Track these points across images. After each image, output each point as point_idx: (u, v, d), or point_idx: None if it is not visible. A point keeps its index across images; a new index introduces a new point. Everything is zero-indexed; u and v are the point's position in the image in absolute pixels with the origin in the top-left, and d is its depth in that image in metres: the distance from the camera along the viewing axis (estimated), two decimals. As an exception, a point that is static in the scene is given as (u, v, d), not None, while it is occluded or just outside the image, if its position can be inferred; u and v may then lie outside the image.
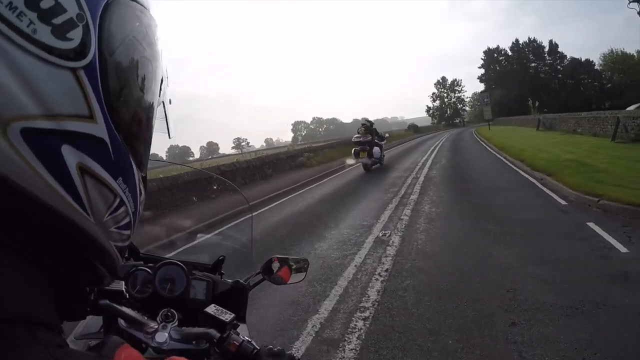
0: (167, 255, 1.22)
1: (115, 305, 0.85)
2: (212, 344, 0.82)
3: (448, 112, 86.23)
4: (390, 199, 8.07)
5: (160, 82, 0.38)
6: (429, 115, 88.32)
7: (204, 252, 1.60)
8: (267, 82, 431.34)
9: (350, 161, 13.49)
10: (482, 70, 73.32)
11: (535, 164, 10.48)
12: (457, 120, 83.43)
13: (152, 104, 0.37)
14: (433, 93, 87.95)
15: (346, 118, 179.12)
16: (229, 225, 6.35)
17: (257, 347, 0.80)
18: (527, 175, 9.62)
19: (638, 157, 9.66)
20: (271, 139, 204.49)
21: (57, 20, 0.26)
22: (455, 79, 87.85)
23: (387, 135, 15.07)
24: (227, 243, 1.66)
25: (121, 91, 0.31)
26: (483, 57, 72.83)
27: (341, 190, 10.06)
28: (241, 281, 1.12)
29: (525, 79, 64.63)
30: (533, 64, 67.66)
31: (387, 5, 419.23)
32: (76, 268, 0.31)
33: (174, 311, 0.90)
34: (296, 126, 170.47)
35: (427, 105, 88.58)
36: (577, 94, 56.66)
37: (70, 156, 0.27)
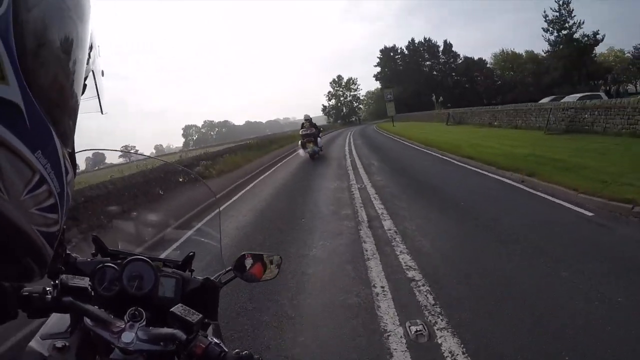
0: (136, 251, 1.18)
1: (79, 303, 0.82)
2: (179, 345, 0.79)
3: (344, 110, 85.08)
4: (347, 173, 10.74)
5: (88, 48, 0.33)
6: (325, 114, 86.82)
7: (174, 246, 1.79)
8: (156, 86, 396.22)
9: (300, 152, 14.95)
10: (379, 69, 74.34)
11: (495, 162, 8.94)
12: (353, 119, 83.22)
13: (77, 69, 0.31)
14: (329, 92, 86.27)
15: (238, 120, 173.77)
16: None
17: (225, 349, 0.79)
18: (497, 177, 7.96)
19: (598, 148, 9.17)
20: (161, 145, 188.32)
21: None
22: (351, 78, 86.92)
23: (322, 129, 17.97)
24: (197, 238, 1.62)
25: (38, 49, 0.26)
26: (379, 56, 73.81)
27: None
28: (212, 278, 1.10)
29: (420, 77, 67.06)
30: (428, 63, 70.36)
31: (283, 5, 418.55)
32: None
33: (142, 310, 0.86)
34: (187, 130, 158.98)
35: (322, 104, 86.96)
36: (470, 91, 60.36)
37: None
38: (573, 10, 43.80)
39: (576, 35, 43.59)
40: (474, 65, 62.92)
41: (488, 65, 62.51)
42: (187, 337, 0.79)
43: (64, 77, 0.29)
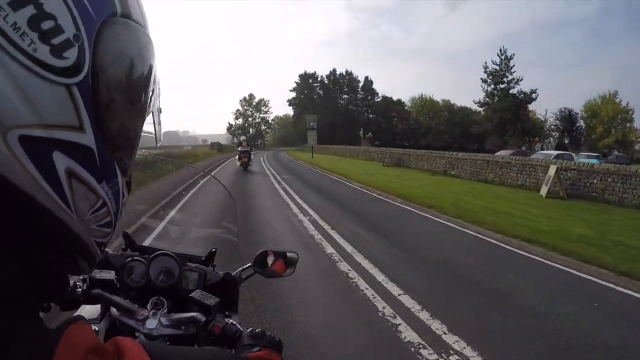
0: (161, 246, 1.24)
1: (106, 294, 0.91)
2: (199, 327, 0.87)
3: (250, 132, 74.14)
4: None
5: (150, 94, 0.40)
6: (230, 133, 77.60)
7: (197, 244, 1.60)
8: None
9: (237, 162, 17.95)
10: (294, 94, 70.62)
11: (577, 252, 5.38)
12: (259, 142, 73.81)
13: (140, 116, 0.38)
14: (237, 110, 76.78)
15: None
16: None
17: (240, 329, 0.84)
18: (556, 265, 5.10)
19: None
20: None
21: (56, 41, 0.28)
22: (263, 99, 78.16)
23: (253, 148, 21.97)
24: (220, 235, 1.61)
25: (110, 105, 0.32)
26: (297, 81, 70.63)
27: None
28: (232, 274, 1.15)
29: (338, 109, 65.79)
30: (346, 96, 69.15)
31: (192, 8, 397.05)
32: (59, 259, 0.34)
33: (163, 299, 0.96)
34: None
35: (229, 122, 77.88)
36: (387, 130, 60.34)
37: (60, 161, 0.29)
38: (513, 66, 46.30)
39: (513, 91, 45.52)
40: (392, 104, 63.12)
41: (406, 108, 63.31)
42: (206, 318, 0.87)
43: (129, 124, 0.36)
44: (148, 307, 0.94)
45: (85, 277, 0.93)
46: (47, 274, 0.33)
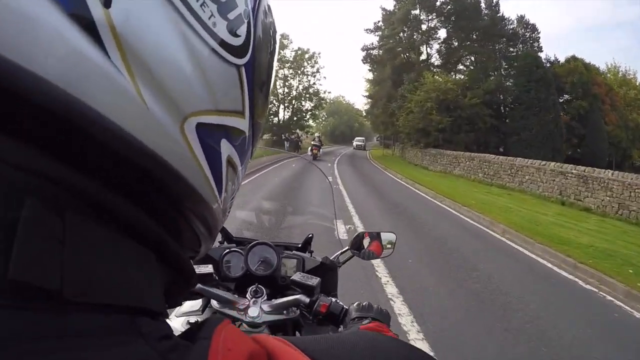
0: (257, 237, 1.28)
1: (206, 288, 0.92)
2: (303, 308, 0.91)
3: (291, 104, 37.85)
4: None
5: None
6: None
7: (293, 231, 1.74)
8: None
9: (308, 153, 19.57)
10: (374, 39, 64.01)
11: None
12: (293, 136, 35.59)
13: (268, 100, 0.38)
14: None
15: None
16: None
17: (345, 306, 0.85)
18: None
19: None
20: None
21: (231, 15, 0.26)
22: (310, 50, 51.31)
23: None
24: (315, 221, 1.68)
25: (262, 88, 0.32)
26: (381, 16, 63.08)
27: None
28: (330, 258, 1.17)
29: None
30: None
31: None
32: (189, 247, 0.32)
33: (262, 287, 0.98)
34: None
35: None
36: (589, 119, 42.01)
37: (225, 149, 0.29)
38: None
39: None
40: (589, 75, 51.87)
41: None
42: (310, 299, 0.89)
43: (266, 108, 0.37)
44: (247, 296, 0.95)
45: None
46: (186, 264, 0.30)
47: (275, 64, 0.38)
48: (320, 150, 21.62)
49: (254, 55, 0.29)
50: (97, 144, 0.19)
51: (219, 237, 1.27)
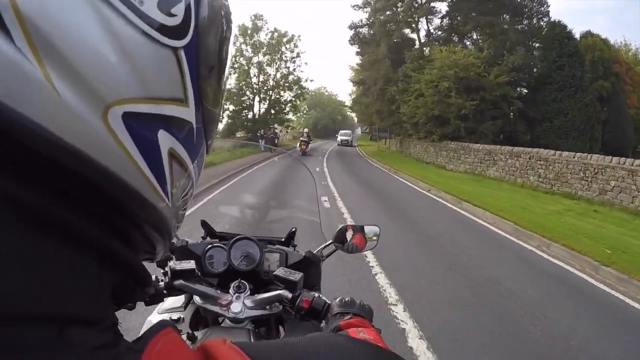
0: (239, 232, 1.23)
1: (188, 284, 0.91)
2: (286, 304, 0.89)
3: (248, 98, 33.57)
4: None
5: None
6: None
7: (276, 225, 1.59)
8: None
9: (297, 148, 21.52)
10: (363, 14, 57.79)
11: None
12: (269, 132, 28.99)
13: (223, 87, 0.35)
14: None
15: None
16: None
17: (327, 301, 0.84)
18: None
19: None
20: None
21: None
22: (288, 33, 46.20)
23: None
24: (298, 215, 1.65)
25: (210, 73, 0.30)
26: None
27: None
28: (313, 252, 1.15)
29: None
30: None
31: None
32: (140, 249, 0.30)
33: (245, 282, 0.96)
34: None
35: None
36: (613, 101, 38.88)
37: (164, 141, 0.26)
38: None
39: None
40: (607, 52, 48.94)
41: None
42: (293, 294, 0.87)
43: (219, 94, 0.33)
44: (230, 291, 0.94)
45: (167, 270, 0.92)
46: (136, 267, 0.28)
47: (232, 47, 0.35)
48: (309, 145, 22.44)
49: (197, 36, 0.26)
50: (7, 139, 0.17)
51: (202, 232, 1.27)
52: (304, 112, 65.63)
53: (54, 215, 0.20)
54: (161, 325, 0.26)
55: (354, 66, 36.05)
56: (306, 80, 33.10)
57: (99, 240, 0.23)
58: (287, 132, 34.28)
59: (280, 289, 0.90)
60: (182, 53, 0.25)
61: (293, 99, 33.09)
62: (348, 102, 42.13)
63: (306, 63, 32.08)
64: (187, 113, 0.27)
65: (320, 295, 0.86)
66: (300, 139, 23.18)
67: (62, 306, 0.20)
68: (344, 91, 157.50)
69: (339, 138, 36.20)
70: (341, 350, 0.30)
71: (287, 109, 33.13)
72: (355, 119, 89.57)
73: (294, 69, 32.18)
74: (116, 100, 0.21)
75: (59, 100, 0.19)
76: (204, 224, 1.27)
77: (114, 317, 0.26)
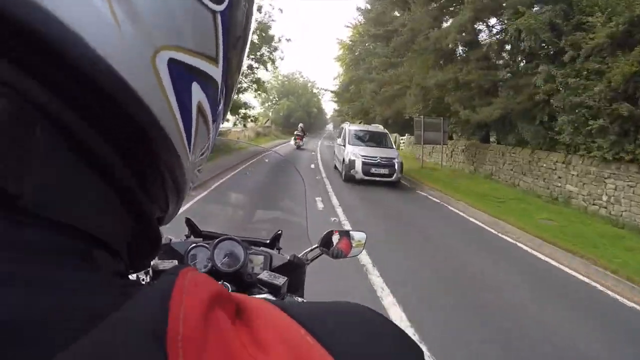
0: (224, 231, 1.21)
1: None
2: None
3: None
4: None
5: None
6: None
7: (262, 227, 1.53)
8: None
9: (292, 142, 22.69)
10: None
11: None
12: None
13: (243, 60, 0.36)
14: None
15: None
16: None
17: None
18: None
19: None
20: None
21: None
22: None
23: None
24: (285, 217, 1.63)
25: (236, 42, 0.31)
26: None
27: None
28: (298, 255, 1.13)
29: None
30: None
31: None
32: (156, 202, 0.29)
33: (227, 283, 0.96)
34: None
35: None
36: None
37: (196, 93, 0.27)
38: None
39: None
40: None
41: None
42: (276, 299, 0.84)
43: (240, 68, 0.35)
44: None
45: (148, 269, 0.89)
46: (151, 219, 0.28)
47: (252, 25, 0.36)
48: (304, 139, 23.03)
49: (232, 5, 0.28)
50: (60, 58, 0.18)
51: (186, 231, 1.23)
52: (273, 100, 53.39)
53: (94, 145, 0.21)
54: (185, 264, 0.28)
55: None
56: (281, 39, 21.88)
57: (126, 180, 0.23)
58: (244, 125, 22.71)
59: (264, 293, 0.89)
60: (219, 17, 0.26)
61: (267, 57, 21.17)
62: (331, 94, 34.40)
63: (280, 10, 21.69)
64: (216, 73, 0.29)
65: (304, 301, 0.82)
66: (295, 132, 23.40)
67: (92, 225, 0.21)
68: (324, 77, 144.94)
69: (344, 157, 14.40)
70: (373, 317, 0.28)
71: (257, 72, 20.86)
72: (329, 114, 75.78)
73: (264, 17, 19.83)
74: (166, 45, 0.23)
75: (118, 31, 0.20)
76: (189, 222, 1.23)
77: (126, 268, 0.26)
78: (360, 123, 21.66)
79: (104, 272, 0.21)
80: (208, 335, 0.18)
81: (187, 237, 1.22)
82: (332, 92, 37.12)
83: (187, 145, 0.28)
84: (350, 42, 34.21)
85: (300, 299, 0.84)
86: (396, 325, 0.29)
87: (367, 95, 22.29)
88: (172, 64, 0.23)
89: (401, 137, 24.14)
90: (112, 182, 0.23)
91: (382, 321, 0.28)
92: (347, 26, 35.55)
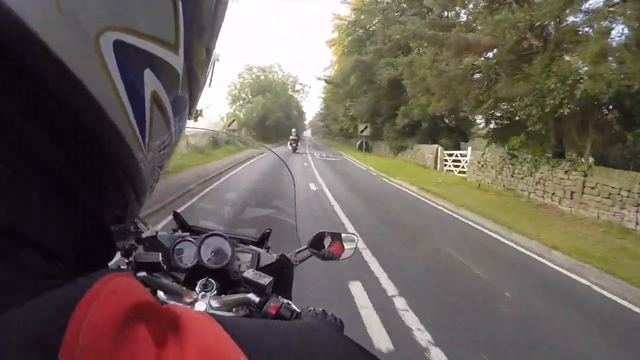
0: (214, 228, 1.21)
1: (152, 277, 0.86)
2: (252, 308, 0.84)
3: None
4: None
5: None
6: None
7: (251, 224, 1.49)
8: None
9: (288, 146, 25.99)
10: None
11: None
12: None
13: (212, 51, 0.35)
14: None
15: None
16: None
17: (297, 310, 0.80)
18: None
19: None
20: None
21: None
22: None
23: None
24: (275, 215, 1.56)
25: (202, 30, 0.30)
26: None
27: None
28: (287, 255, 1.10)
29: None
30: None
31: None
32: (107, 200, 0.27)
33: (212, 280, 0.92)
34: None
35: None
36: None
37: (149, 81, 0.25)
38: None
39: None
40: None
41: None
42: (260, 299, 0.82)
43: (208, 55, 0.33)
44: (197, 289, 0.90)
45: (130, 259, 0.89)
46: (98, 221, 0.26)
47: (224, 14, 0.34)
48: (299, 143, 26.70)
49: None
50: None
51: (173, 225, 1.21)
52: (246, 99, 44.37)
53: (16, 123, 0.18)
54: (115, 270, 0.24)
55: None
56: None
57: (58, 169, 0.21)
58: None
59: (249, 292, 0.86)
60: (179, 1, 0.24)
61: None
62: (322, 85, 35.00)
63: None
64: (176, 61, 0.26)
65: (290, 303, 0.83)
66: (290, 137, 26.60)
67: (16, 222, 0.19)
68: (308, 71, 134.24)
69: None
70: (321, 335, 0.28)
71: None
72: (308, 120, 67.83)
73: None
74: (112, 25, 0.20)
75: (57, 8, 0.18)
76: (176, 215, 1.22)
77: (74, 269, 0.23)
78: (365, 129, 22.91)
79: (25, 273, 0.19)
80: (118, 351, 0.17)
81: (174, 230, 1.19)
82: (327, 82, 31.61)
83: (141, 136, 0.25)
84: (353, 18, 26.81)
85: (286, 301, 0.79)
86: (356, 346, 0.27)
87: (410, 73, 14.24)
88: (120, 46, 0.21)
89: (461, 153, 14.76)
90: (45, 172, 0.20)
91: (337, 342, 0.26)
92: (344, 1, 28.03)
